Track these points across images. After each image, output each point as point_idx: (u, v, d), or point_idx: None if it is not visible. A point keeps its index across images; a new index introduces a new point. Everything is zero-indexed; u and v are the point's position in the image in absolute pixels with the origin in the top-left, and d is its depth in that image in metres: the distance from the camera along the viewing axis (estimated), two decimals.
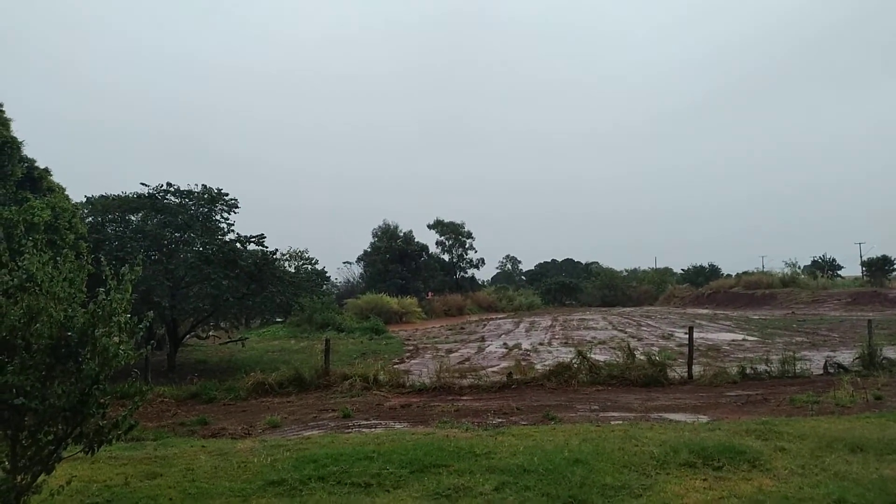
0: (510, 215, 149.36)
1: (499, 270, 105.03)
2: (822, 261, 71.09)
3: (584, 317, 47.16)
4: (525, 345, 27.22)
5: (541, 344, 27.50)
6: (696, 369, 16.49)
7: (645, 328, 34.92)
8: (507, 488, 5.90)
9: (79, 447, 5.09)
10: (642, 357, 17.21)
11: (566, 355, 20.50)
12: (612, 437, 8.12)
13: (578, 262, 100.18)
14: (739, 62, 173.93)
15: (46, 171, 22.15)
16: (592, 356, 18.01)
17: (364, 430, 10.89)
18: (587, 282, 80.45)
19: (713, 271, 77.70)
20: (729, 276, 72.85)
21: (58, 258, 5.30)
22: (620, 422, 10.25)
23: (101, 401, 4.97)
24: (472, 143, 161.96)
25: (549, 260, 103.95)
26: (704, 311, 51.32)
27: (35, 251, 5.25)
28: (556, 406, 13.03)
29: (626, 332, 31.70)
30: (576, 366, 16.85)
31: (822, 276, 63.08)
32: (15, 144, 20.07)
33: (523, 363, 19.50)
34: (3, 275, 5.11)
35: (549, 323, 40.82)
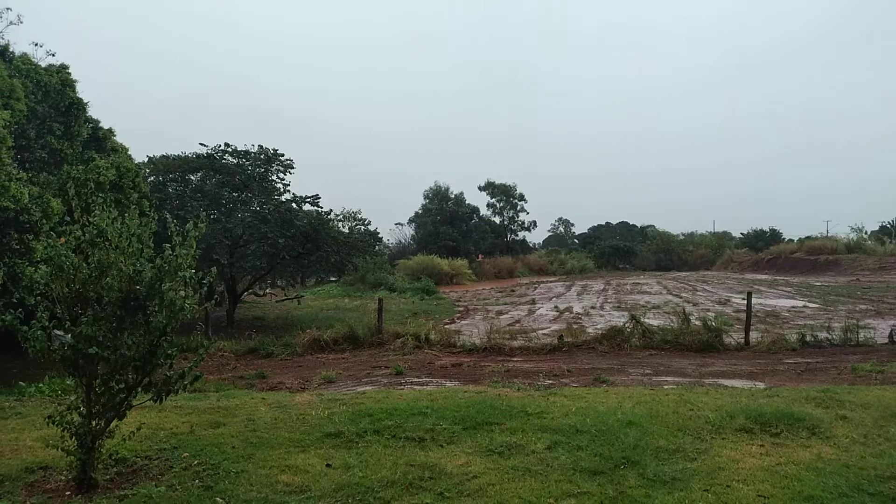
0: (563, 176, 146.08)
1: (551, 233, 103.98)
2: (891, 226, 67.93)
3: (637, 281, 46.49)
4: (577, 308, 27.06)
5: (593, 308, 27.28)
6: (754, 335, 16.10)
7: (701, 293, 34.21)
8: (560, 447, 5.93)
9: (148, 396, 5.35)
10: (697, 322, 16.91)
11: (619, 319, 20.30)
12: (666, 400, 8.04)
13: (633, 226, 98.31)
14: (799, 12, 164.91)
15: (110, 131, 22.83)
16: (646, 320, 17.80)
17: (416, 387, 11.08)
18: (642, 245, 79.05)
19: (774, 236, 75.16)
20: (791, 240, 70.37)
21: (125, 214, 5.49)
22: (674, 386, 10.14)
23: (169, 352, 5.19)
24: (524, 103, 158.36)
25: (604, 223, 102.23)
26: (764, 277, 49.88)
27: (104, 208, 5.45)
28: (608, 369, 12.97)
29: (680, 297, 31.14)
30: (629, 330, 16.69)
31: (891, 242, 60.31)
32: (81, 105, 20.73)
33: (574, 326, 19.42)
34: (76, 230, 5.32)
35: (602, 287, 40.43)
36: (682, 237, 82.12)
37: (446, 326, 21.00)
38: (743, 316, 17.63)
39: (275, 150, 27.21)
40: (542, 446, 5.97)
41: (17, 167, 16.05)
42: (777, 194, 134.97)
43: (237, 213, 25.59)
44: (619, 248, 75.18)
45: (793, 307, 25.16)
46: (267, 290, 30.78)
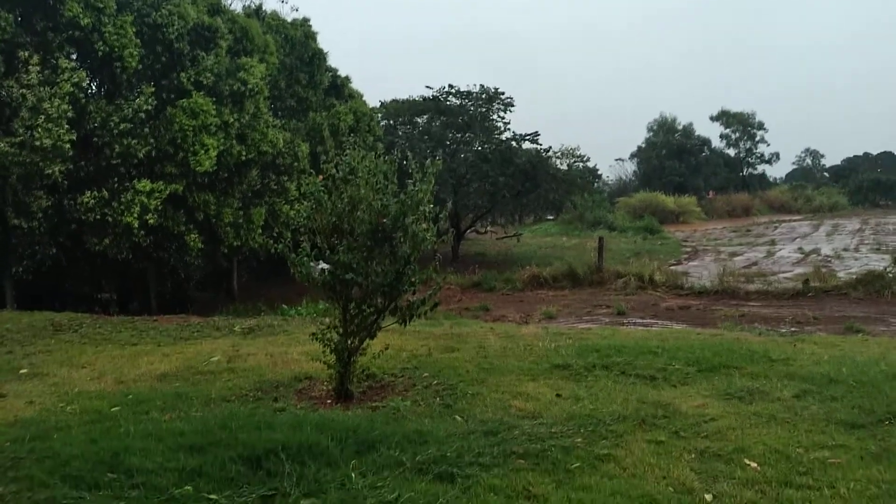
0: (812, 98, 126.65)
1: (795, 166, 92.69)
2: None
3: None
4: (825, 250, 24.25)
5: (845, 250, 24.25)
6: None
7: None
8: (810, 397, 5.43)
9: (394, 319, 5.85)
10: None
11: (878, 263, 17.95)
12: None
13: None
14: None
15: (347, 78, 24.71)
16: None
17: (640, 327, 10.82)
18: None
19: None
20: None
21: (372, 153, 5.95)
22: None
23: (413, 279, 5.61)
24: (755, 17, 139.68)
25: (861, 153, 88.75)
26: None
27: (354, 148, 5.96)
28: (864, 318, 11.58)
29: None
30: (891, 274, 14.69)
31: None
32: (322, 55, 22.63)
33: (823, 270, 17.50)
34: (331, 168, 5.89)
35: (857, 226, 35.52)
36: None
37: (672, 267, 20.11)
38: None
39: (496, 89, 27.54)
40: (789, 394, 5.51)
41: (271, 115, 18.13)
42: None
43: (460, 153, 26.57)
44: (881, 182, 64.96)
45: None
46: (488, 228, 31.76)
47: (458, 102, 27.39)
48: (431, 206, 5.82)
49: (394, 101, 28.78)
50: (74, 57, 14.42)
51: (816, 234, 31.90)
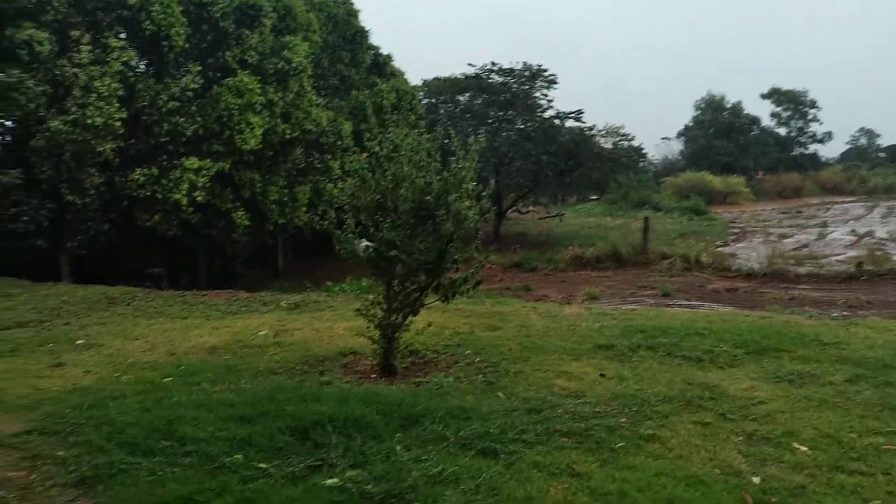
0: (868, 75, 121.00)
1: (849, 146, 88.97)
2: None
3: None
4: (880, 233, 23.38)
5: None
6: None
7: None
8: (863, 381, 5.27)
9: (436, 296, 5.87)
10: None
11: None
12: None
13: None
14: None
15: (389, 57, 24.65)
16: None
17: (686, 309, 10.63)
18: None
19: None
20: None
21: (415, 131, 5.95)
22: None
23: (455, 257, 5.62)
24: None
25: None
26: None
27: (398, 126, 5.97)
28: None
29: None
30: None
31: None
32: (364, 33, 22.62)
33: (877, 253, 16.92)
34: (375, 145, 5.91)
35: None
36: None
37: (719, 249, 19.71)
38: None
39: (539, 66, 27.10)
40: (841, 378, 5.36)
41: (314, 94, 18.24)
42: None
43: (502, 131, 26.30)
44: None
45: None
46: (530, 208, 31.48)
47: (501, 80, 27.04)
48: (475, 184, 5.81)
49: (435, 79, 28.61)
50: (123, 36, 14.74)
51: (871, 217, 30.77)
